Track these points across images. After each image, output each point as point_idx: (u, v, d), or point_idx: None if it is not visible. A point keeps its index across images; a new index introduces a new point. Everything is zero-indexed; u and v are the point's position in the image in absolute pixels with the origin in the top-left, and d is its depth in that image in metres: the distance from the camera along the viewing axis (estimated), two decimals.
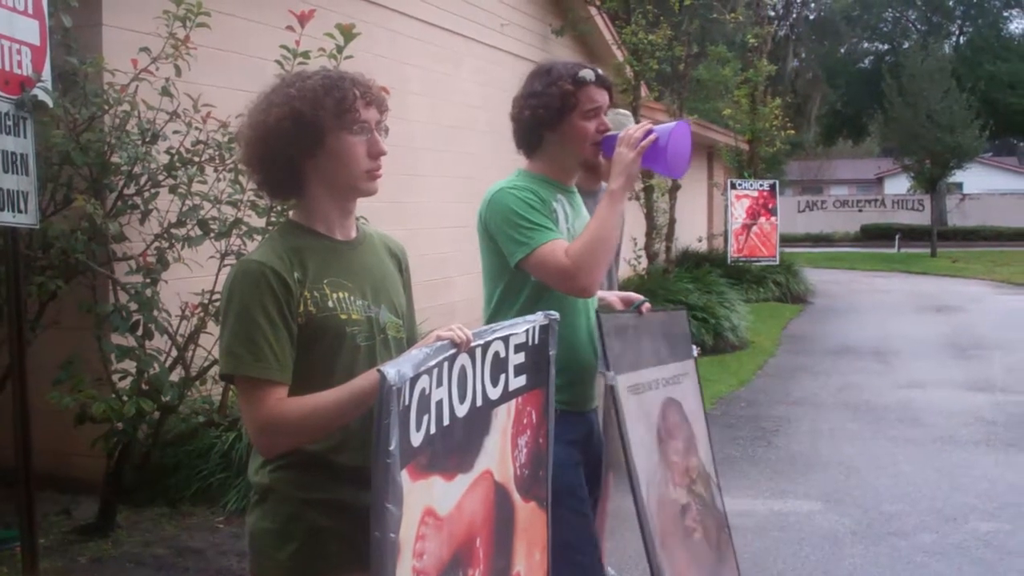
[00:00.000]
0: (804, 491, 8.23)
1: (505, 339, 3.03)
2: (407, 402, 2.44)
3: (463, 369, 2.78)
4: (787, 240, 35.39)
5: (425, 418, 2.56)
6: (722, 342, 15.63)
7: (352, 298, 2.90)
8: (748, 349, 15.94)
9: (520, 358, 3.12)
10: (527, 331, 3.16)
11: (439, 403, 2.64)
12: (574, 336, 4.06)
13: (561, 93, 3.97)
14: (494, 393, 2.97)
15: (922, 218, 51.95)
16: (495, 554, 3.01)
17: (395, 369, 2.38)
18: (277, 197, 3.15)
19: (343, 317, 2.85)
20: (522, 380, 3.14)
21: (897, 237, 47.97)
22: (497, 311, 4.07)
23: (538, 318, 3.25)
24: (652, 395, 4.41)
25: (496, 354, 2.98)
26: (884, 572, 6.55)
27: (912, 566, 6.63)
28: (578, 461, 4.06)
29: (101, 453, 6.75)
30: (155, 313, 6.58)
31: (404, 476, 2.43)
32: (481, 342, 2.88)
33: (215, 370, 6.74)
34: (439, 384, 2.64)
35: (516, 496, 3.16)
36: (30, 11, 5.61)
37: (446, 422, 2.68)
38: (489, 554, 2.97)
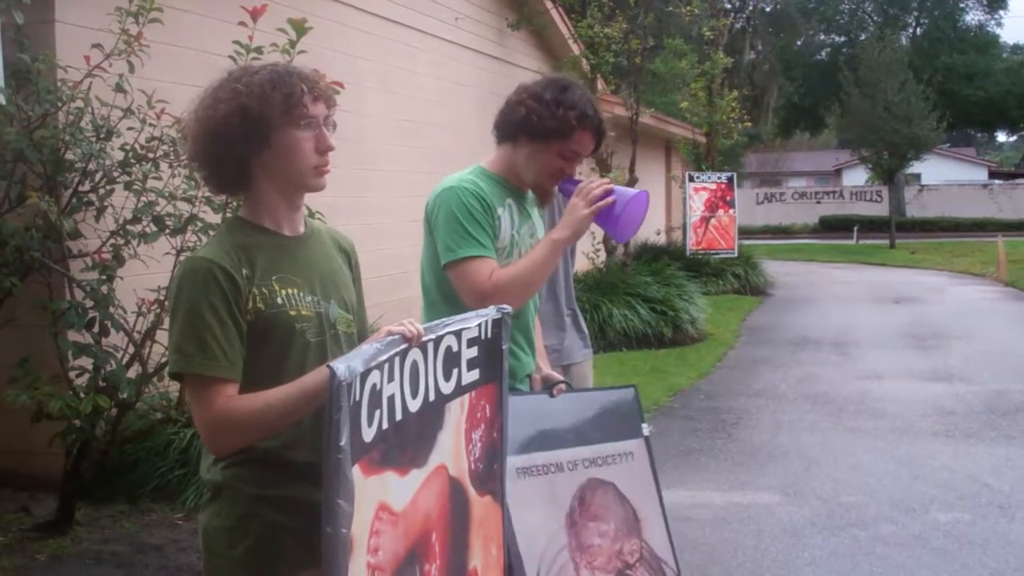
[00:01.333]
0: (764, 483, 8.27)
1: (457, 333, 3.01)
2: (358, 397, 2.43)
3: (415, 364, 2.77)
4: (746, 232, 35.58)
5: (377, 413, 2.55)
6: (681, 335, 15.66)
7: (301, 294, 2.88)
8: (707, 341, 15.98)
9: (473, 352, 3.10)
10: (479, 325, 3.15)
11: (391, 398, 2.63)
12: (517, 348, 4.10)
13: (561, 121, 3.94)
14: (447, 388, 2.96)
15: (880, 209, 52.26)
16: (451, 549, 3.01)
17: (345, 364, 2.38)
18: (224, 192, 3.14)
19: (292, 313, 2.83)
20: (475, 374, 3.13)
21: (856, 229, 48.21)
22: (433, 305, 4.13)
23: (490, 312, 3.23)
24: (562, 477, 4.22)
25: (448, 348, 2.96)
26: (844, 563, 6.58)
27: (872, 557, 6.66)
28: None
29: (59, 450, 6.72)
30: (111, 310, 6.55)
31: (356, 472, 2.42)
32: (433, 336, 2.86)
33: None
34: (391, 379, 2.63)
35: (471, 490, 3.14)
36: None
37: (399, 417, 2.67)
38: (445, 549, 2.96)
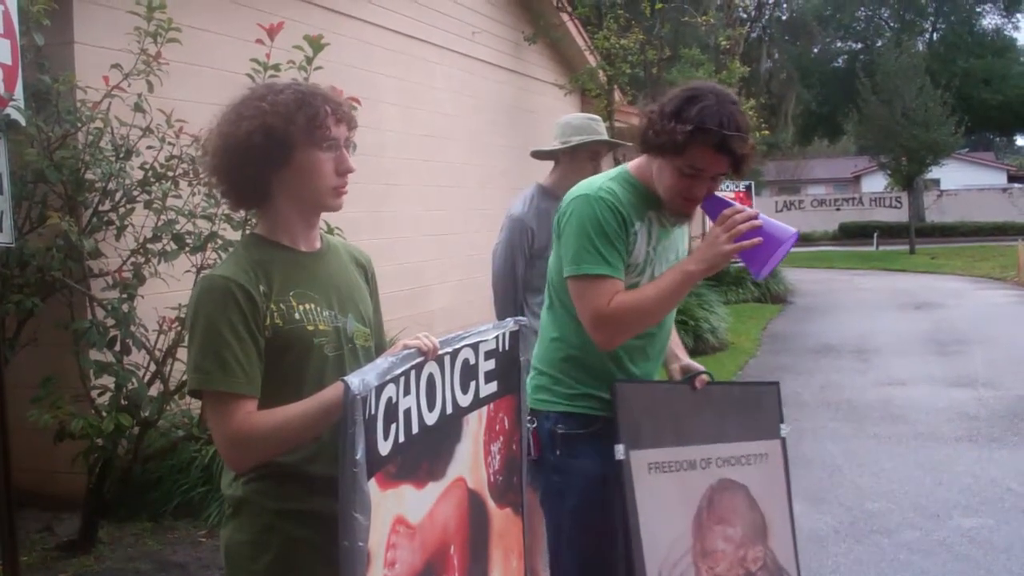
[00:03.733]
0: None
1: (475, 346, 3.02)
2: (373, 411, 2.44)
3: (431, 377, 2.78)
4: None
5: (393, 427, 2.56)
6: (702, 344, 15.57)
7: (318, 309, 2.89)
8: (728, 350, 15.92)
9: (490, 364, 3.11)
10: (497, 337, 3.16)
11: (407, 411, 2.65)
12: (633, 357, 3.89)
13: (672, 134, 3.52)
14: (464, 400, 2.97)
15: (900, 215, 52.09)
16: (470, 562, 3.01)
17: (359, 378, 2.38)
18: (241, 207, 3.14)
19: (310, 328, 2.84)
20: (493, 387, 3.14)
21: (875, 235, 48.03)
22: (551, 313, 3.95)
23: (508, 324, 3.24)
24: (694, 475, 4.03)
25: (466, 361, 2.97)
26: (868, 570, 6.57)
27: (896, 564, 6.65)
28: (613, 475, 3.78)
29: (82, 469, 6.74)
30: (132, 328, 6.57)
31: (372, 485, 2.43)
32: (449, 350, 2.87)
33: None
34: (407, 392, 2.64)
35: (490, 502, 3.15)
36: (1, 30, 5.59)
37: (415, 430, 2.68)
38: (464, 562, 2.97)
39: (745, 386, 4.43)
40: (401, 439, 2.60)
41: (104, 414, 6.44)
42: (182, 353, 6.77)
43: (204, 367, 2.71)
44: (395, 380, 2.57)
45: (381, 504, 2.48)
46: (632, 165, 3.86)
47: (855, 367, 14.49)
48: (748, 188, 23.69)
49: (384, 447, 2.51)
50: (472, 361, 3.01)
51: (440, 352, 2.80)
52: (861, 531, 7.23)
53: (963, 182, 61.33)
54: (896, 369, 14.16)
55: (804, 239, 52.89)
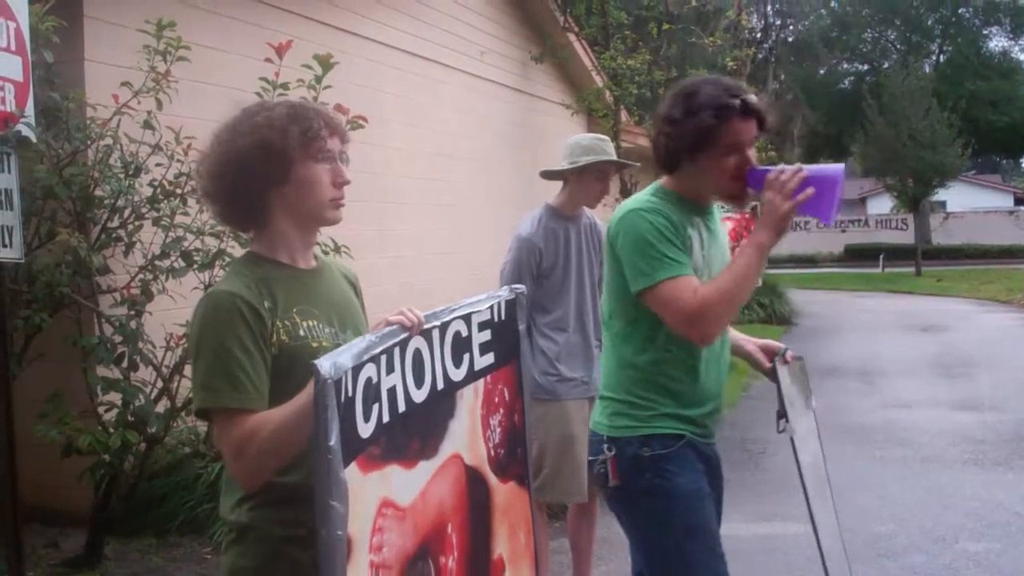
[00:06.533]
0: (791, 513, 8.18)
1: (466, 317, 2.97)
2: (350, 394, 2.38)
3: (418, 352, 2.72)
4: (771, 261, 35.22)
5: (375, 407, 2.50)
6: None
7: (320, 325, 2.90)
8: (733, 371, 15.80)
9: (486, 336, 3.06)
10: (491, 307, 3.11)
11: (391, 390, 2.58)
12: (708, 369, 3.88)
13: (698, 128, 3.62)
14: (457, 374, 2.91)
15: (906, 237, 52.07)
16: (472, 539, 2.96)
17: (331, 361, 2.31)
18: (237, 227, 3.14)
19: (315, 345, 2.83)
20: (490, 358, 3.08)
21: (881, 257, 47.98)
22: (616, 339, 3.90)
23: (503, 293, 3.19)
24: (810, 444, 4.21)
25: (457, 334, 2.92)
26: None
27: None
28: (708, 494, 3.90)
29: (88, 485, 6.75)
30: (140, 345, 6.59)
31: (353, 470, 2.37)
32: (437, 323, 2.82)
33: None
34: (390, 371, 2.58)
35: (492, 478, 3.10)
36: (13, 48, 5.63)
37: (402, 409, 2.62)
38: (464, 540, 2.92)
39: (797, 361, 4.48)
40: (385, 419, 2.54)
41: (111, 430, 6.46)
42: (189, 370, 6.76)
43: (213, 385, 2.70)
44: (375, 359, 2.50)
45: (364, 488, 2.42)
46: (663, 181, 3.89)
47: (860, 389, 14.46)
48: (754, 210, 23.51)
49: (365, 429, 2.45)
50: (465, 333, 2.96)
51: (427, 326, 2.76)
52: (867, 554, 7.20)
53: (969, 204, 61.24)
54: (902, 392, 14.13)
55: (809, 261, 52.96)
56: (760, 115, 3.73)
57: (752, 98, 3.70)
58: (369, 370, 2.47)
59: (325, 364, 2.29)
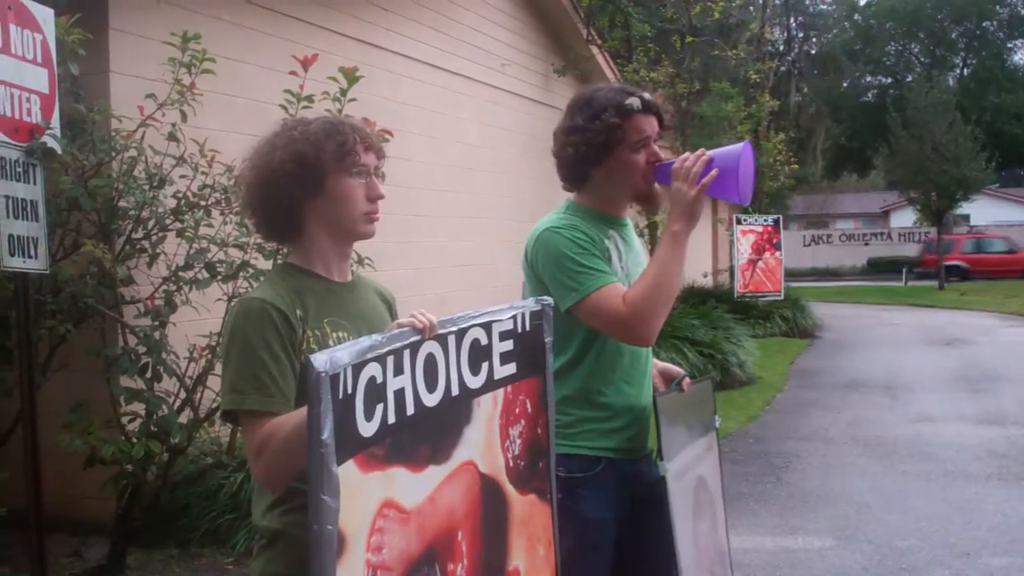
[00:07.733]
0: (815, 527, 8.20)
1: (486, 326, 2.93)
2: (350, 391, 2.35)
3: (431, 357, 2.69)
4: (793, 274, 35.38)
5: (379, 407, 2.46)
6: (729, 378, 15.53)
7: (350, 338, 2.89)
8: (756, 384, 15.85)
9: (507, 346, 3.02)
10: (514, 317, 3.07)
11: (399, 392, 2.54)
12: (634, 383, 3.86)
13: (606, 127, 3.68)
14: (475, 382, 2.87)
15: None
16: (484, 548, 2.93)
17: (326, 356, 2.29)
18: (274, 239, 3.16)
19: None
20: (511, 368, 3.04)
21: (904, 270, 47.86)
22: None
23: (528, 304, 3.16)
24: (689, 477, 4.12)
25: (476, 341, 2.88)
26: None
27: None
28: (610, 523, 3.79)
29: (111, 495, 6.77)
30: (163, 355, 6.61)
31: (352, 467, 2.34)
32: (454, 329, 2.79)
33: None
34: (398, 372, 2.54)
35: (509, 488, 3.06)
36: (39, 60, 5.67)
37: (411, 411, 2.58)
38: (476, 548, 2.89)
39: (697, 384, 4.47)
40: (391, 420, 2.50)
41: (134, 440, 6.48)
42: (212, 381, 6.81)
43: (240, 387, 2.73)
44: (379, 359, 2.46)
45: (363, 486, 2.39)
46: (574, 198, 3.95)
47: (884, 403, 14.41)
48: (776, 222, 23.61)
49: (367, 428, 2.41)
50: (484, 341, 2.92)
51: (442, 331, 2.73)
52: (890, 569, 7.17)
53: (994, 218, 61.03)
54: (925, 406, 14.07)
55: (832, 274, 52.85)
56: (658, 111, 3.81)
57: (647, 95, 3.78)
58: (372, 369, 2.44)
59: (320, 358, 2.27)
